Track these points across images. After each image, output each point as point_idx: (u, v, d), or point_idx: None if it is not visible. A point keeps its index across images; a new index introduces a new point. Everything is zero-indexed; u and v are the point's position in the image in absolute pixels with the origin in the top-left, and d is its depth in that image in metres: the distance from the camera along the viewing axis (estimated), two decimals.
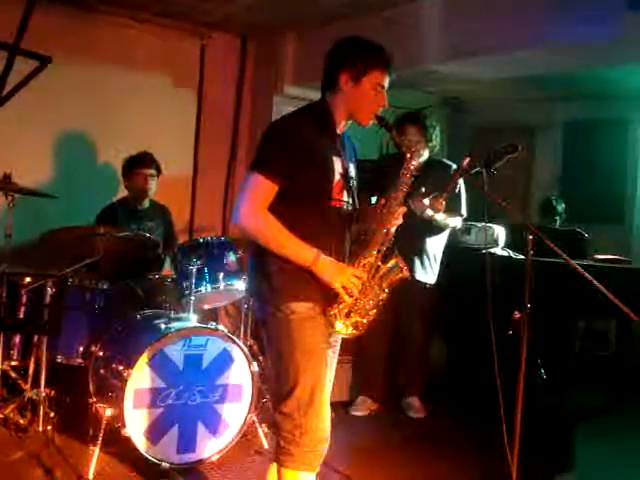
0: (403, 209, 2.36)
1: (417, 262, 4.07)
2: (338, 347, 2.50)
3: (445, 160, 4.24)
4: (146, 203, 4.38)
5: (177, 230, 4.75)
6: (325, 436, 2.29)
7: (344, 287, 2.24)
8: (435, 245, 4.17)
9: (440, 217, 3.97)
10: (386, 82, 2.33)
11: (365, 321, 2.33)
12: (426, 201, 3.82)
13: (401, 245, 2.41)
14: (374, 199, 2.69)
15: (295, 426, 2.23)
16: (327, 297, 2.27)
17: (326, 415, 2.29)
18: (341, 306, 2.27)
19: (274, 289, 2.27)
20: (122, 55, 5.03)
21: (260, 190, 2.21)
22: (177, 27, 5.21)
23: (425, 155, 4.07)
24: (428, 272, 4.14)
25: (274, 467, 2.35)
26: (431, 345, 4.54)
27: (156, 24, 5.10)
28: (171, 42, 5.23)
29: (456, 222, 4.15)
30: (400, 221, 2.36)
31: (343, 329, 2.31)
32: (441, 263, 4.23)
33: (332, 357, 2.43)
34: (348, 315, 2.30)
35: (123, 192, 4.50)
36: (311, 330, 2.24)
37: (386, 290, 2.36)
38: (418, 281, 4.06)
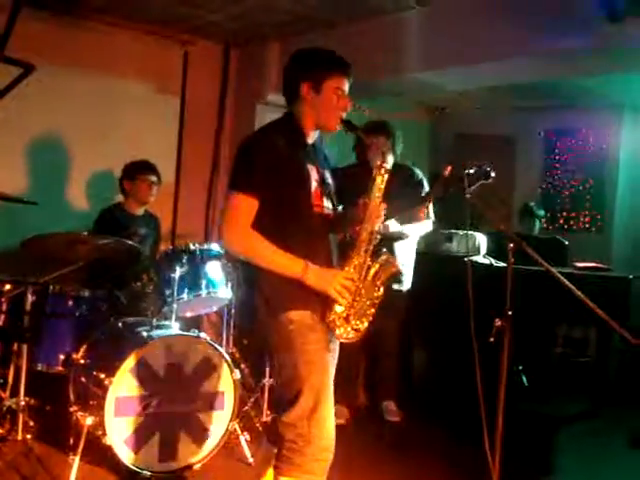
0: (383, 205, 2.36)
1: None
2: (337, 353, 2.50)
3: (407, 164, 4.29)
4: (141, 210, 4.33)
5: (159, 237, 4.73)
6: (330, 444, 2.26)
7: (338, 293, 2.24)
8: (405, 253, 4.19)
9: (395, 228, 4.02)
10: (346, 86, 2.37)
11: (366, 323, 2.34)
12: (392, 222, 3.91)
13: None
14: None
15: (298, 435, 2.21)
16: (324, 303, 2.26)
17: (331, 423, 2.27)
18: (339, 311, 2.27)
19: (270, 300, 2.27)
20: (104, 62, 5.00)
21: (240, 209, 2.23)
22: (159, 34, 5.18)
23: (391, 161, 4.14)
24: (401, 280, 4.17)
25: (269, 476, 2.33)
26: (407, 349, 4.56)
27: (139, 31, 5.07)
28: (153, 49, 5.21)
29: (423, 228, 4.19)
30: (382, 218, 2.37)
31: (344, 334, 2.31)
32: (419, 269, 4.27)
33: (332, 364, 2.42)
34: (347, 319, 2.30)
35: (101, 199, 4.45)
36: (311, 338, 2.24)
37: (381, 288, 2.37)
38: (392, 289, 4.05)
